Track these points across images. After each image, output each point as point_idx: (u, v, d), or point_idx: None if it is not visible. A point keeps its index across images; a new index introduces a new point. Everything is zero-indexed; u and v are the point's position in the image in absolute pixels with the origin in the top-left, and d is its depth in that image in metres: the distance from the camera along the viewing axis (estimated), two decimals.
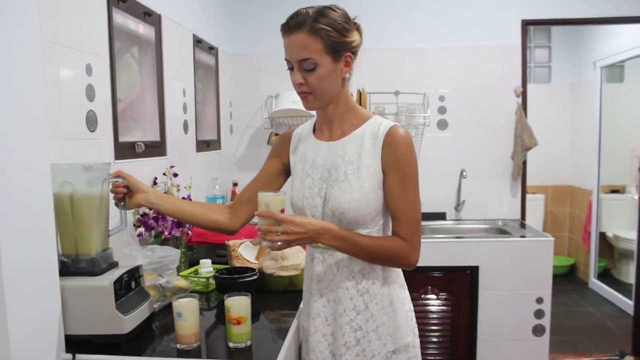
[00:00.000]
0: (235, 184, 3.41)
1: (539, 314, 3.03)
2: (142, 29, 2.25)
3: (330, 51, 1.40)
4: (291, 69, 1.44)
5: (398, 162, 1.43)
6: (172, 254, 1.82)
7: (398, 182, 1.43)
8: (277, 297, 1.90)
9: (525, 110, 3.58)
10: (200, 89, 2.97)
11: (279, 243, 1.34)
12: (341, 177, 1.45)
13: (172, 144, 2.51)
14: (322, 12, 1.40)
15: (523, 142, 3.52)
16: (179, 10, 2.66)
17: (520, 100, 3.57)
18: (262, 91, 3.63)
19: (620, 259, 5.08)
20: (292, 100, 3.29)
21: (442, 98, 3.60)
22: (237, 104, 3.67)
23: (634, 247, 3.98)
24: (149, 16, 2.29)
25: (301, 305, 1.70)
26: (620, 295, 4.70)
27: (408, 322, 1.52)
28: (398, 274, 1.55)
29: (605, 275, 5.23)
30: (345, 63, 1.45)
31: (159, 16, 2.40)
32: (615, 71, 5.11)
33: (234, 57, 3.64)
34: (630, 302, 3.98)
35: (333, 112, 1.51)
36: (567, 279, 5.52)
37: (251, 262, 2.09)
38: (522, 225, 3.46)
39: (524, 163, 3.61)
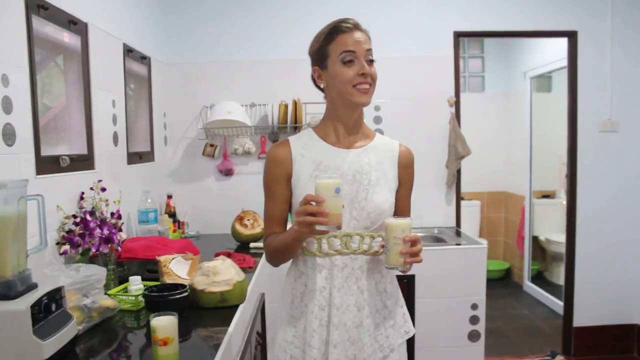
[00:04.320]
0: (169, 196, 3.33)
1: (474, 319, 3.09)
2: (68, 37, 2.17)
3: None
4: (348, 62, 1.53)
5: (411, 176, 1.69)
6: (98, 273, 1.75)
7: (407, 191, 1.69)
8: (209, 313, 1.85)
9: (458, 120, 3.67)
10: (132, 99, 2.88)
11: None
12: (373, 180, 1.58)
13: (101, 157, 2.42)
14: None
15: (457, 151, 3.60)
16: (108, 19, 2.58)
17: (453, 109, 3.66)
18: (197, 101, 3.57)
19: (552, 261, 5.28)
20: (227, 111, 3.25)
21: (377, 108, 3.64)
22: (171, 115, 3.59)
23: (564, 250, 4.12)
24: (74, 24, 2.21)
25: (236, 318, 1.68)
26: (551, 297, 4.88)
27: (408, 316, 1.74)
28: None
29: (538, 278, 5.42)
30: None
31: (86, 24, 2.32)
32: (543, 81, 5.33)
33: (167, 67, 3.57)
34: (561, 303, 4.13)
35: (358, 118, 1.64)
36: (502, 283, 5.68)
37: (182, 278, 2.03)
38: (458, 233, 3.53)
39: (458, 171, 3.69)
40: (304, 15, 3.51)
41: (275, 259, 1.63)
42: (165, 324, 1.38)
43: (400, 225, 1.46)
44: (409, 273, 1.54)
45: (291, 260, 1.68)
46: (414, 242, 1.45)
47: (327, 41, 1.55)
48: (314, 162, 1.59)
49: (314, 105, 3.47)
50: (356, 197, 1.57)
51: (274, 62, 3.56)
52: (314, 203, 1.36)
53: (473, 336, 3.10)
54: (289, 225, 1.61)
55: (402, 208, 1.67)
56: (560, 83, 4.94)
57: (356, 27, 1.56)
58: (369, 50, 1.55)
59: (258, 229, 3.08)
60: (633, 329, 3.85)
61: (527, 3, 3.65)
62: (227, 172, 3.63)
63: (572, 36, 3.69)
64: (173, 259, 2.09)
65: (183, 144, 3.64)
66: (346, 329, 1.57)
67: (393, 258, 1.47)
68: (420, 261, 1.48)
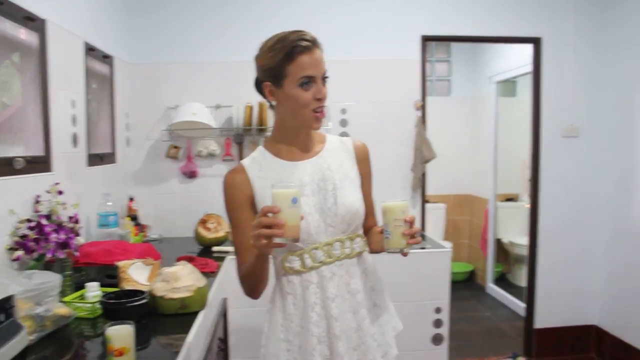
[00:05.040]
0: (131, 199, 3.26)
1: (437, 323, 3.11)
2: (24, 34, 2.09)
3: None
4: (306, 84, 1.47)
5: (369, 170, 1.69)
6: (52, 280, 1.68)
7: (369, 186, 1.69)
8: (169, 320, 1.81)
9: (424, 123, 3.69)
10: (93, 99, 2.80)
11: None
12: (338, 184, 1.55)
13: (59, 159, 2.35)
14: None
15: (422, 154, 3.62)
16: (68, 16, 2.50)
17: (420, 113, 3.67)
18: (161, 102, 3.51)
19: (515, 263, 5.36)
20: (192, 112, 3.20)
21: (343, 111, 3.64)
22: (134, 116, 3.52)
23: (526, 252, 4.19)
24: (32, 21, 2.13)
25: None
26: (514, 299, 4.96)
27: (395, 312, 1.73)
28: None
29: (501, 280, 5.50)
30: None
31: (43, 21, 2.24)
32: (508, 86, 5.41)
33: (131, 67, 3.49)
34: (523, 305, 4.19)
35: (309, 131, 1.60)
36: (466, 285, 5.75)
37: (142, 284, 1.98)
38: (422, 237, 3.54)
39: (424, 175, 3.71)
40: (271, 16, 3.49)
41: (247, 286, 1.57)
42: (120, 333, 1.34)
43: (401, 207, 1.43)
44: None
45: (275, 286, 1.63)
46: (412, 223, 1.44)
47: (286, 61, 1.46)
48: (276, 181, 1.51)
49: None
50: (325, 204, 1.53)
51: (240, 63, 3.49)
52: (271, 215, 1.29)
53: (437, 339, 3.11)
54: None
55: (367, 201, 1.66)
56: (525, 88, 5.02)
57: (314, 43, 1.49)
58: (325, 70, 1.52)
59: (221, 233, 3.03)
60: (591, 330, 3.93)
61: (494, 9, 3.69)
62: (191, 175, 3.57)
63: (536, 42, 3.74)
64: (133, 264, 2.04)
65: (146, 146, 3.57)
66: (347, 336, 1.54)
67: (395, 241, 1.42)
68: (420, 242, 1.48)
